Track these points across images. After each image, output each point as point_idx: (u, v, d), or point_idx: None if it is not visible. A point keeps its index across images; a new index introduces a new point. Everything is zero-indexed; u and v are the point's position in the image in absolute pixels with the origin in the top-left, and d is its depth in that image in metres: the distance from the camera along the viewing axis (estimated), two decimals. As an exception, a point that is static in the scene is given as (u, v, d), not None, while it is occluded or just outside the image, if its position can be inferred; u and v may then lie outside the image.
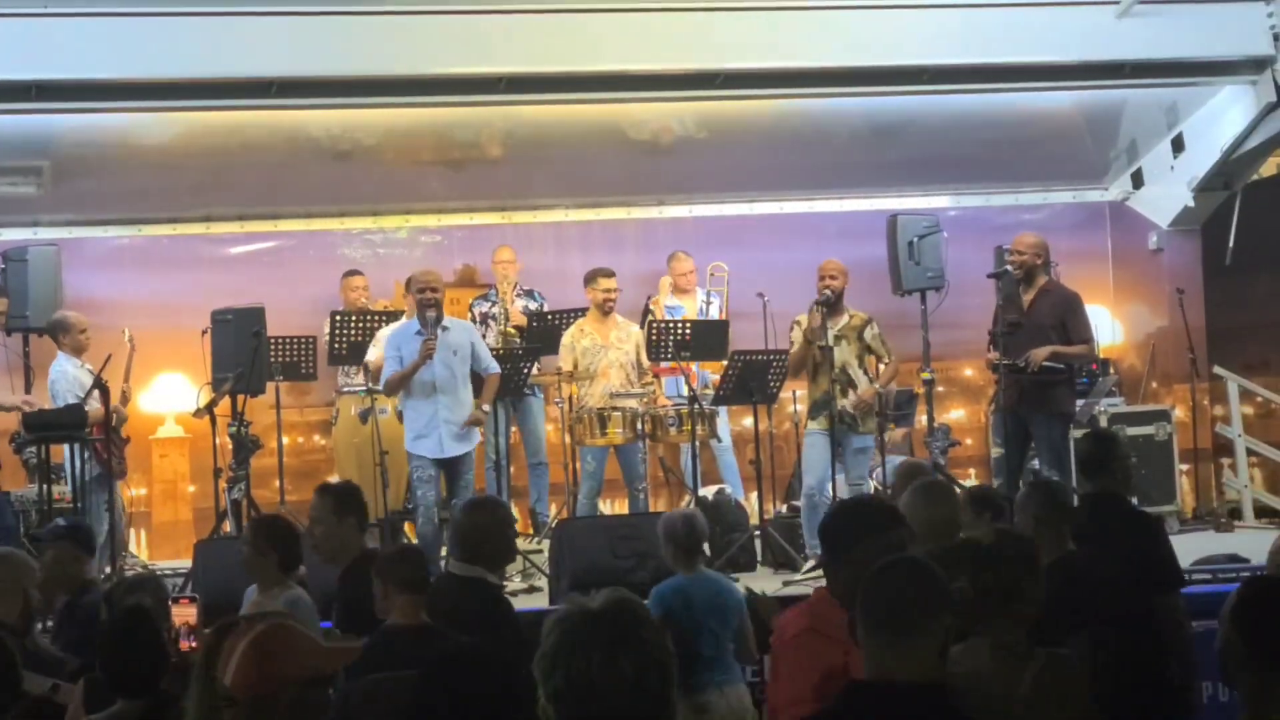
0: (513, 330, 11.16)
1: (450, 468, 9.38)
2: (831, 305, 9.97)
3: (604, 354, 10.58)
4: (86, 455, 9.52)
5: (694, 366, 11.03)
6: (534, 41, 10.75)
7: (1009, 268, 9.88)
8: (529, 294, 11.51)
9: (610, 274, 10.77)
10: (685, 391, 10.76)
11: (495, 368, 9.73)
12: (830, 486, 9.79)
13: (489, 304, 11.41)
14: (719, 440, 10.96)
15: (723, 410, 10.92)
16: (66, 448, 9.69)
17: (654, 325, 11.23)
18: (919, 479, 6.80)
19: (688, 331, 10.97)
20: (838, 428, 9.82)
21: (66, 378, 9.79)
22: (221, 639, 3.45)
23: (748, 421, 11.23)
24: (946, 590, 3.47)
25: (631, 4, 10.88)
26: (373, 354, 10.41)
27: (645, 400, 10.51)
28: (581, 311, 10.84)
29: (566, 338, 10.62)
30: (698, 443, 10.44)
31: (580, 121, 11.83)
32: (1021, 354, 9.60)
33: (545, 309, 11.30)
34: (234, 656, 3.38)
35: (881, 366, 10.18)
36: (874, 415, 10.04)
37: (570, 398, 10.50)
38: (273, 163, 11.72)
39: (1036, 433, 9.54)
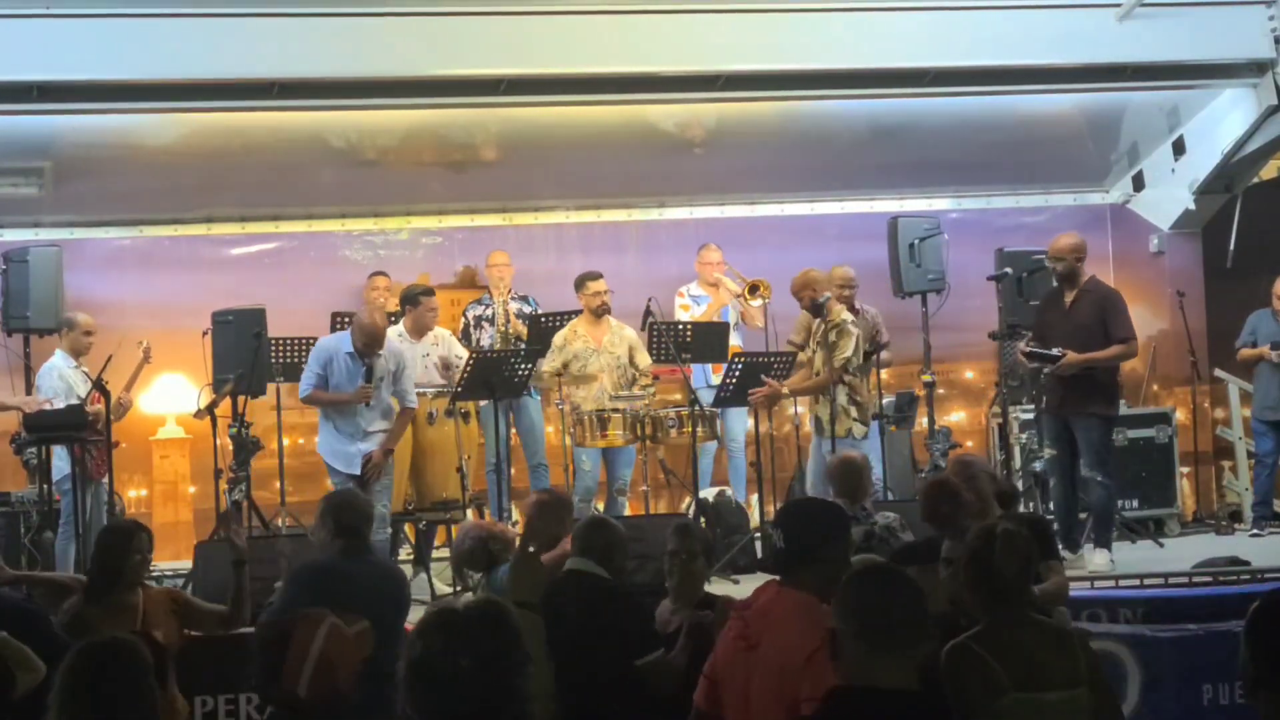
0: (514, 333, 11.16)
1: (356, 482, 9.32)
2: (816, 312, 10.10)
3: (596, 357, 10.65)
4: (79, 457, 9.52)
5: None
6: (535, 44, 10.75)
7: (1049, 267, 9.77)
8: (523, 299, 11.49)
9: (598, 276, 10.85)
10: (712, 380, 10.84)
11: (412, 401, 9.70)
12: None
13: (483, 307, 11.39)
14: (718, 443, 10.97)
15: (740, 411, 10.93)
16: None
17: (654, 326, 11.23)
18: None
19: (689, 333, 10.99)
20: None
21: (52, 375, 9.78)
22: (284, 640, 3.43)
23: (748, 424, 11.23)
24: (925, 599, 3.57)
25: (632, 6, 10.87)
26: None
27: (645, 402, 10.51)
28: (577, 313, 10.87)
29: (559, 338, 10.70)
30: (707, 444, 10.49)
31: (581, 124, 11.83)
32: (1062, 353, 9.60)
33: (540, 313, 11.27)
34: (306, 662, 3.37)
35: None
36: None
37: (566, 397, 10.48)
38: (274, 164, 11.71)
39: (1078, 434, 9.48)
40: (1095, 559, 9.34)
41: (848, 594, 3.47)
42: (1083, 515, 9.72)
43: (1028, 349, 9.55)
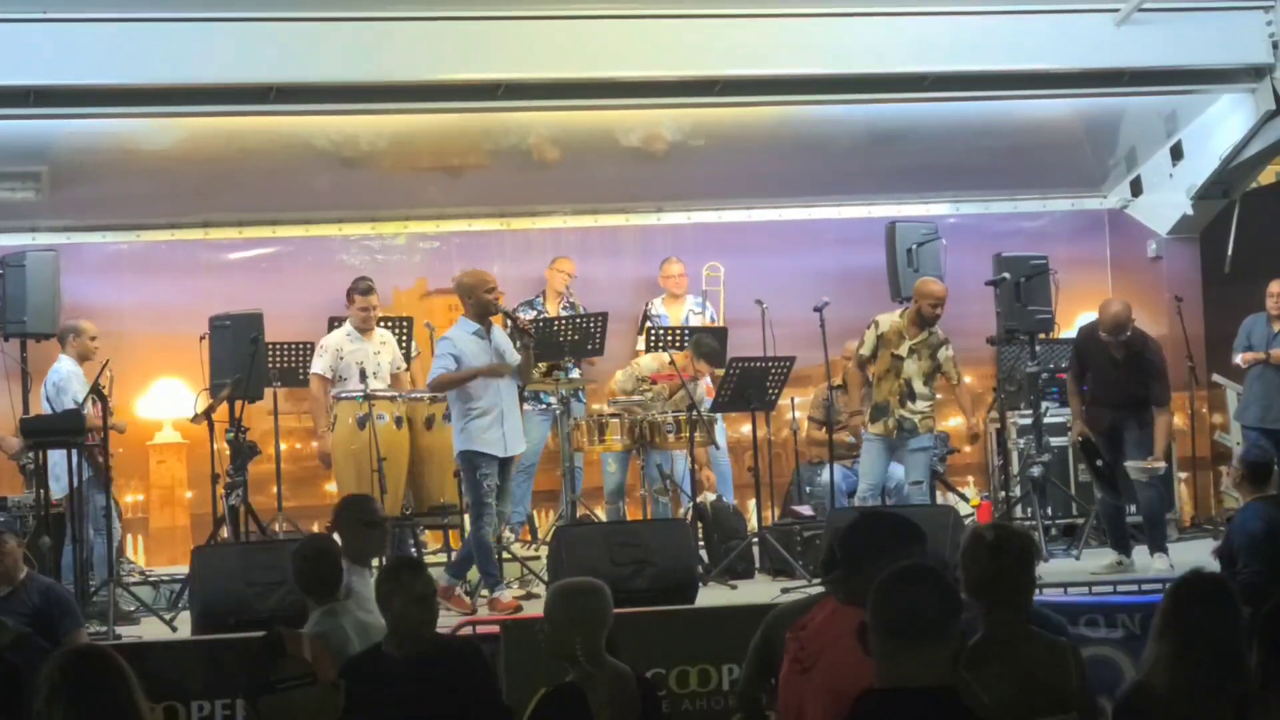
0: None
1: (504, 468, 9.06)
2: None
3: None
4: (78, 461, 9.50)
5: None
6: (533, 48, 10.75)
7: (1112, 349, 9.57)
8: (529, 303, 11.45)
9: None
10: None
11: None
12: (882, 492, 10.00)
13: (534, 311, 11.26)
14: (716, 447, 10.94)
15: (718, 416, 10.91)
16: (55, 453, 9.62)
17: (653, 330, 11.22)
18: None
19: (687, 337, 10.96)
20: (898, 434, 9.85)
21: (78, 379, 9.82)
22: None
23: (746, 429, 11.21)
24: (959, 596, 3.52)
25: (631, 11, 10.88)
26: (319, 364, 10.29)
27: (644, 406, 10.48)
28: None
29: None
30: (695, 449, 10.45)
31: (579, 128, 11.84)
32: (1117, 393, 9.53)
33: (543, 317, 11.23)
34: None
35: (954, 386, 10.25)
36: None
37: (564, 398, 10.40)
38: (271, 168, 11.70)
39: (1128, 435, 9.51)
40: (1156, 564, 9.39)
41: (878, 590, 3.45)
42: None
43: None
